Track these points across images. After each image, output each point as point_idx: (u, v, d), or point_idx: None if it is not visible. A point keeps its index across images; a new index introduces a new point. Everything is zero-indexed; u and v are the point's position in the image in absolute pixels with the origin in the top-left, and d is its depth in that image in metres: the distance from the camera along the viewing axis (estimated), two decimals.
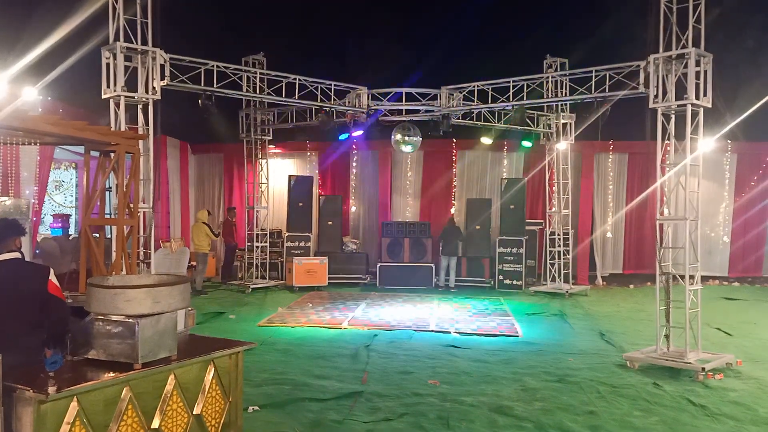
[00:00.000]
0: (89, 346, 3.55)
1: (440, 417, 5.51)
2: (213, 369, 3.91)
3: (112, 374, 3.37)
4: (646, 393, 6.27)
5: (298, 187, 14.71)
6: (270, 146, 14.75)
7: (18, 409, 3.10)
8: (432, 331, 9.28)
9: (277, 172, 15.74)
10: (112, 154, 5.43)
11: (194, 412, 3.78)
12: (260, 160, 14.34)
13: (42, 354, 3.37)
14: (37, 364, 3.32)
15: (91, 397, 3.23)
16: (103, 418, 3.28)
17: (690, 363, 6.97)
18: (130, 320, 3.46)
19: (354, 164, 16.24)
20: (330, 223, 14.77)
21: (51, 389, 3.06)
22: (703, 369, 6.84)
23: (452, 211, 15.75)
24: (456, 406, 5.78)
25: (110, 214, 8.25)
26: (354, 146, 15.89)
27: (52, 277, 3.81)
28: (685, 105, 7.35)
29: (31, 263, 4.24)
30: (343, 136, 13.41)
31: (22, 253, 3.93)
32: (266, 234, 14.33)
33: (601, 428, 5.31)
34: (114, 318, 3.49)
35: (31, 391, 3.07)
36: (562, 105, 12.92)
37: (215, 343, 4.17)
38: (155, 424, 3.53)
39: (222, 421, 3.96)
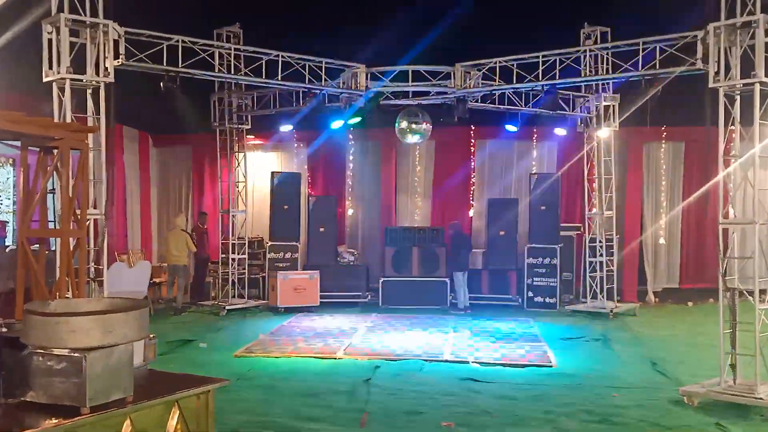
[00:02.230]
0: (26, 386, 3.56)
1: None
2: (178, 412, 3.91)
3: (54, 421, 3.37)
4: None
5: (283, 186, 14.72)
6: (248, 137, 14.78)
7: None
8: (447, 361, 9.29)
9: (258, 169, 15.75)
10: (55, 151, 5.44)
11: None
12: (237, 154, 14.37)
13: None
14: None
15: None
16: None
17: (761, 398, 6.94)
18: (76, 354, 3.46)
19: (351, 158, 16.26)
20: (322, 229, 14.78)
21: None
22: None
23: (471, 214, 15.76)
24: None
25: (54, 222, 8.26)
26: (350, 136, 15.92)
27: None
28: (752, 84, 7.32)
29: None
30: (336, 124, 13.41)
31: None
32: (244, 244, 14.35)
33: None
34: (56, 352, 3.50)
35: None
36: (603, 84, 12.91)
37: (181, 379, 4.18)
38: None
39: None
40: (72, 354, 3.47)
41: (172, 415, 3.89)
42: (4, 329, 4.17)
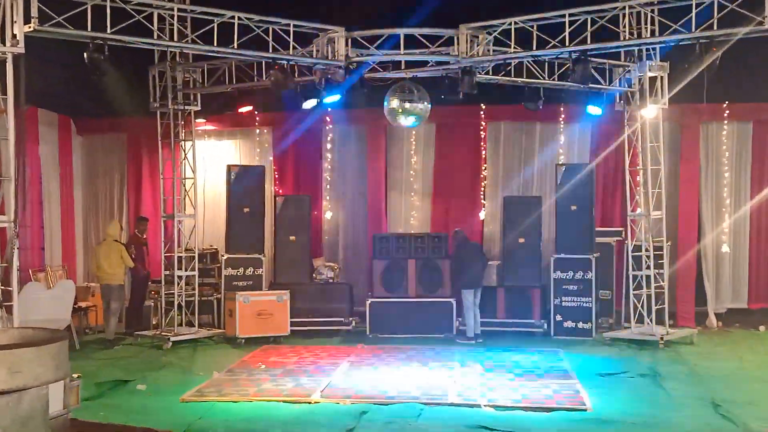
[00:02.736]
0: None
1: None
2: None
3: None
4: None
5: (243, 182, 14.74)
6: (198, 121, 14.77)
7: None
8: (452, 404, 9.29)
9: (210, 161, 15.76)
10: None
11: None
12: (183, 143, 14.36)
13: None
14: None
15: None
16: None
17: None
18: None
19: (328, 147, 16.29)
20: (293, 238, 14.81)
21: None
22: None
23: (482, 216, 15.79)
24: None
25: None
26: (328, 119, 15.93)
27: None
28: None
29: None
30: (309, 104, 13.43)
31: None
32: (194, 257, 14.35)
33: None
34: None
35: None
36: (648, 50, 12.97)
37: (113, 431, 4.18)
38: None
39: None
40: None
41: None
42: None
